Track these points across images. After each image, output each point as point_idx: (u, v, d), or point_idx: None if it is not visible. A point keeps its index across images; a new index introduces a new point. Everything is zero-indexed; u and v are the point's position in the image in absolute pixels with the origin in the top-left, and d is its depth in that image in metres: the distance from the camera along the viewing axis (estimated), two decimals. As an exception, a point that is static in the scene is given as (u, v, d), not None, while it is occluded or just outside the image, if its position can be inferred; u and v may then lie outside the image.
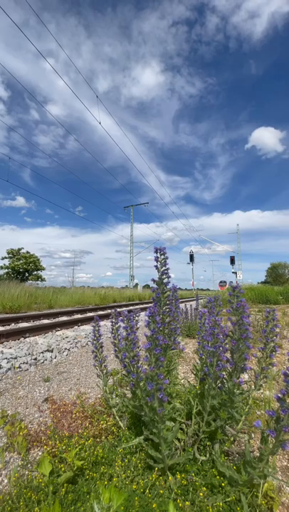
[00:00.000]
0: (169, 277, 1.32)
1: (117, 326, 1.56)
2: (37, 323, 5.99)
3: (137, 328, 1.32)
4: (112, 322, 1.57)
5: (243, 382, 1.22)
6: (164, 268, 1.30)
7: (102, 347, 1.53)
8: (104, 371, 1.55)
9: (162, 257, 1.30)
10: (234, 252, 34.94)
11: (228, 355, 1.24)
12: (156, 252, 1.30)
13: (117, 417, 1.52)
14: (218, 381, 1.21)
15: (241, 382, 1.20)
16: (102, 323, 6.64)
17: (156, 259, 1.30)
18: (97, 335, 1.51)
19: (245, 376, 1.51)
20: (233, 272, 31.87)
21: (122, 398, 1.58)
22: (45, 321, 6.25)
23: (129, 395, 1.52)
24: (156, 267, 1.31)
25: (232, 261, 31.52)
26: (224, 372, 1.25)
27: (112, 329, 1.55)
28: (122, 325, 1.34)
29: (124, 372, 1.37)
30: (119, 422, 1.50)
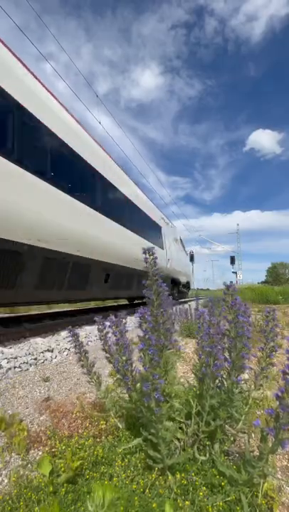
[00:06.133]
0: (160, 277, 1.32)
1: (104, 331, 1.52)
2: (37, 323, 5.99)
3: (126, 331, 1.32)
4: (98, 328, 1.53)
5: (242, 380, 1.22)
6: (154, 268, 1.30)
7: (86, 353, 1.51)
8: (95, 377, 1.53)
9: (151, 257, 1.29)
10: (234, 252, 34.98)
11: (226, 354, 1.24)
12: (144, 253, 1.30)
13: (115, 419, 1.52)
14: (217, 380, 1.21)
15: (240, 381, 1.20)
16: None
17: (146, 260, 1.30)
18: (78, 342, 1.48)
19: (245, 376, 1.51)
20: (233, 272, 31.94)
21: (119, 401, 1.57)
22: (46, 321, 6.26)
23: (127, 397, 1.52)
24: (146, 268, 1.31)
25: (232, 261, 31.58)
26: (223, 372, 1.25)
27: (100, 336, 1.52)
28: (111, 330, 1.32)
29: (119, 376, 1.36)
30: (118, 424, 1.50)
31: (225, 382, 1.25)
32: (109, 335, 1.49)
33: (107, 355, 1.54)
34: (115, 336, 1.27)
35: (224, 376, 1.26)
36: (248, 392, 1.36)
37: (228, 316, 1.19)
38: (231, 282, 1.27)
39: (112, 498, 0.78)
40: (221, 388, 1.24)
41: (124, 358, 1.25)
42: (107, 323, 1.44)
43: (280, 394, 0.83)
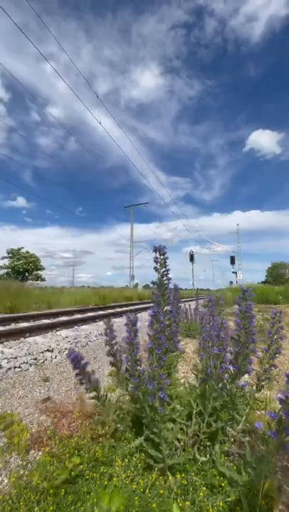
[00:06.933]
0: (169, 279, 1.25)
1: (113, 336, 1.44)
2: (37, 322, 5.99)
3: (136, 331, 1.29)
4: (106, 332, 1.44)
5: (246, 384, 1.21)
6: (163, 269, 1.21)
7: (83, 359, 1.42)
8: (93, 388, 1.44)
9: (162, 257, 1.20)
10: (234, 252, 34.91)
11: (230, 356, 1.23)
12: (155, 251, 1.20)
13: (116, 420, 1.51)
14: (220, 383, 1.19)
15: (244, 386, 1.18)
16: (99, 323, 6.63)
17: (156, 260, 1.21)
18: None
19: (245, 376, 1.50)
20: (233, 272, 31.88)
21: (119, 403, 1.56)
22: (45, 321, 6.25)
23: (128, 398, 1.51)
24: (155, 268, 1.21)
25: (232, 261, 31.52)
26: (226, 374, 1.24)
27: (106, 341, 1.44)
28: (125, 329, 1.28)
29: (126, 375, 1.33)
30: (118, 425, 1.50)
31: (228, 385, 1.24)
32: (115, 340, 1.42)
33: (111, 358, 1.45)
34: (129, 334, 1.19)
35: (228, 379, 1.24)
36: (249, 393, 1.35)
37: (239, 320, 1.16)
38: (231, 282, 1.26)
39: (119, 504, 0.78)
40: (223, 390, 1.23)
41: (135, 358, 1.19)
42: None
43: (283, 397, 0.82)
